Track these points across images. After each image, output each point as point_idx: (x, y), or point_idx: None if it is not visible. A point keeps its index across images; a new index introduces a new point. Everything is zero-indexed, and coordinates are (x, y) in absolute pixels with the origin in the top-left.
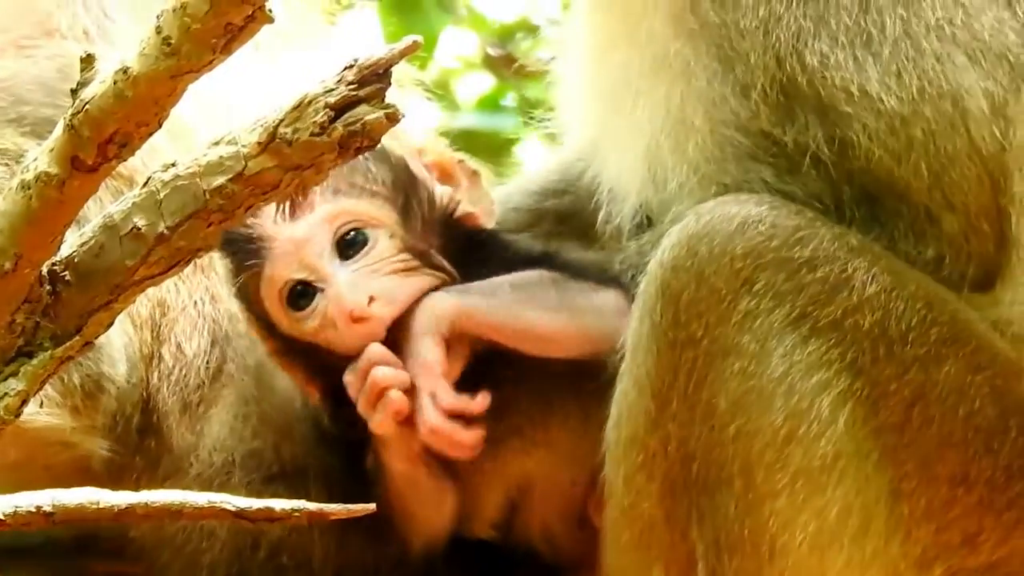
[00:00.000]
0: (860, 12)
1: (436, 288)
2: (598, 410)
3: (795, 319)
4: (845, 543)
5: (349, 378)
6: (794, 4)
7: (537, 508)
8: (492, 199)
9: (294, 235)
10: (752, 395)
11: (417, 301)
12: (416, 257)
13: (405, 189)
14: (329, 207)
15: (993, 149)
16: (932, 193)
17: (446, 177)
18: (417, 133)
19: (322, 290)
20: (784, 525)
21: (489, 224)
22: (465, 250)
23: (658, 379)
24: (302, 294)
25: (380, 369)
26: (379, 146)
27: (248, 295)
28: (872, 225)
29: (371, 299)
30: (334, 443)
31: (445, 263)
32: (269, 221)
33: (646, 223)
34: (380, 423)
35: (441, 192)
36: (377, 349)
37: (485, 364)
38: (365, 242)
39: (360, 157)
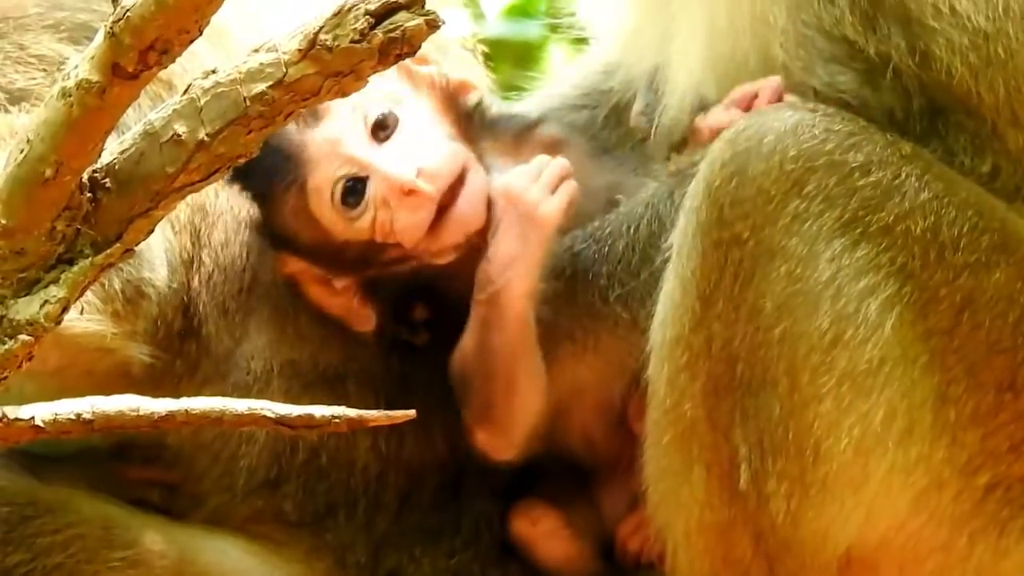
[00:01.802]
0: None
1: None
2: (645, 317)
3: (845, 223)
4: (890, 447)
5: (512, 182)
6: None
7: (579, 415)
8: (475, 70)
9: (327, 135)
10: (799, 298)
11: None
12: (446, 123)
13: (406, 73)
14: (353, 97)
15: None
16: (1002, 109)
17: (421, 62)
18: None
19: (368, 178)
20: (829, 428)
21: (479, 92)
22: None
23: (704, 279)
24: (351, 191)
25: (559, 160)
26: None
27: (292, 225)
28: (932, 137)
29: (418, 172)
30: (377, 348)
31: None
32: (296, 133)
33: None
34: (558, 206)
35: (428, 71)
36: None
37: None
38: (397, 120)
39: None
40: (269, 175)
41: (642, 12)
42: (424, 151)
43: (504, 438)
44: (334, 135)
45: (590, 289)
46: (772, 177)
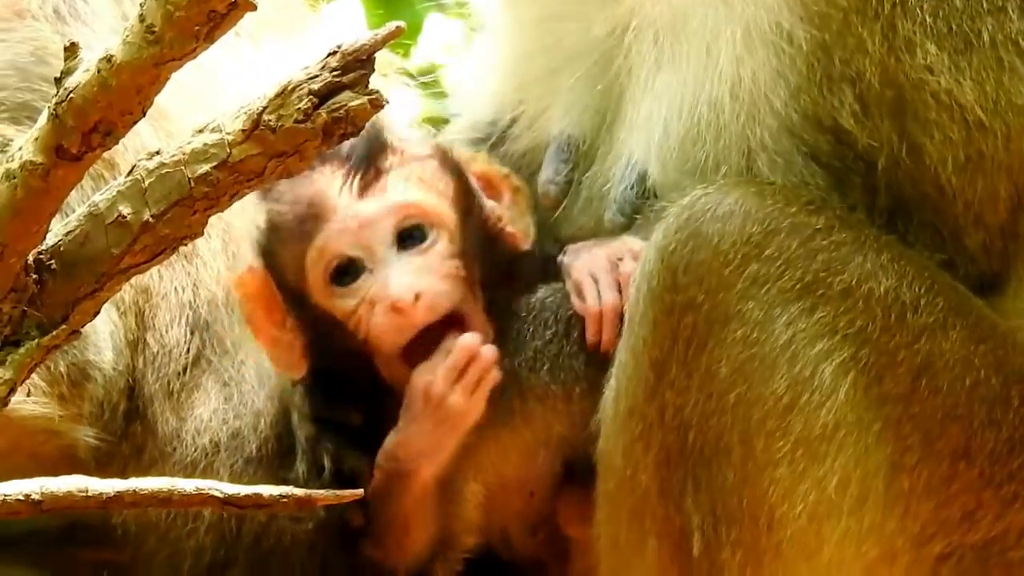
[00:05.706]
0: (966, 16)
1: (467, 311)
2: (580, 396)
3: (805, 285)
4: (844, 515)
5: (439, 369)
6: None
7: (500, 502)
8: (530, 220)
9: (360, 213)
10: (754, 363)
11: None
12: (465, 267)
13: (467, 197)
14: (401, 197)
15: None
16: (972, 206)
17: (491, 190)
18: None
19: (370, 271)
20: (783, 495)
21: (525, 247)
22: (497, 266)
23: (656, 346)
24: (347, 271)
25: (487, 349)
26: (445, 150)
27: (282, 260)
28: (890, 233)
29: (417, 296)
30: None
31: (479, 285)
32: (336, 192)
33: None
34: (476, 408)
35: (489, 206)
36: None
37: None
38: (423, 239)
39: (430, 159)
40: (293, 209)
41: (532, 84)
42: (432, 279)
43: (393, 562)
44: (367, 216)
45: (516, 356)
46: (731, 240)
